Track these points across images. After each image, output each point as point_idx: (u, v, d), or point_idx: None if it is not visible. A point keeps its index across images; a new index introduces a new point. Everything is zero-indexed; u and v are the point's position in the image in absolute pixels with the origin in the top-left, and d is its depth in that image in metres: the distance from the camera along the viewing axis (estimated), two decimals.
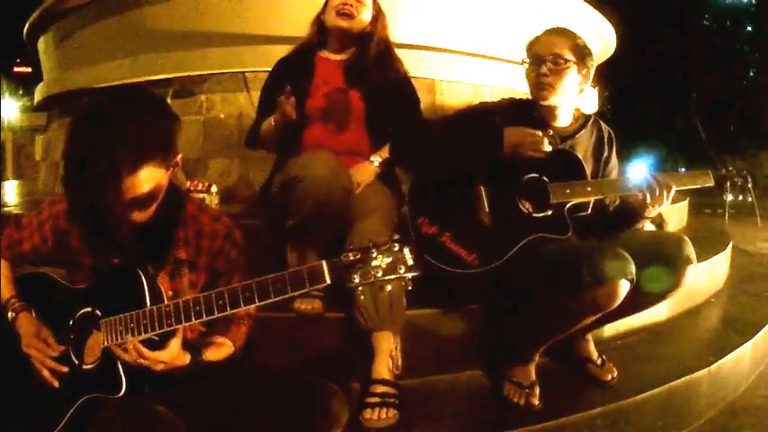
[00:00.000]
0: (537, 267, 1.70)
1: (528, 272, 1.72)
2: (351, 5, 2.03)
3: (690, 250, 1.70)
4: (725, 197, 1.93)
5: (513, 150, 1.80)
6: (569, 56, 1.85)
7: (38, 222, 1.38)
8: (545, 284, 1.67)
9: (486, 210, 1.85)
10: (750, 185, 1.92)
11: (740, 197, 1.93)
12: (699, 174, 1.88)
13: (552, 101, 1.89)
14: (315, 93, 2.07)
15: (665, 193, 1.76)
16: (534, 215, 1.82)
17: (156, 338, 1.19)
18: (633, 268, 1.59)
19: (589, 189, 1.82)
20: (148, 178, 1.16)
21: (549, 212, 1.81)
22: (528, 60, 1.91)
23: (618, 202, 1.94)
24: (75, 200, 1.20)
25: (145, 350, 1.16)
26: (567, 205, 1.81)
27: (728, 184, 1.91)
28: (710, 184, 1.87)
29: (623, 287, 1.58)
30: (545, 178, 1.84)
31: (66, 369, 1.26)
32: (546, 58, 1.85)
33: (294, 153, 1.91)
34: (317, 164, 1.74)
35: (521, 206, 1.85)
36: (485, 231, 1.82)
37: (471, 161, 1.86)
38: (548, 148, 1.79)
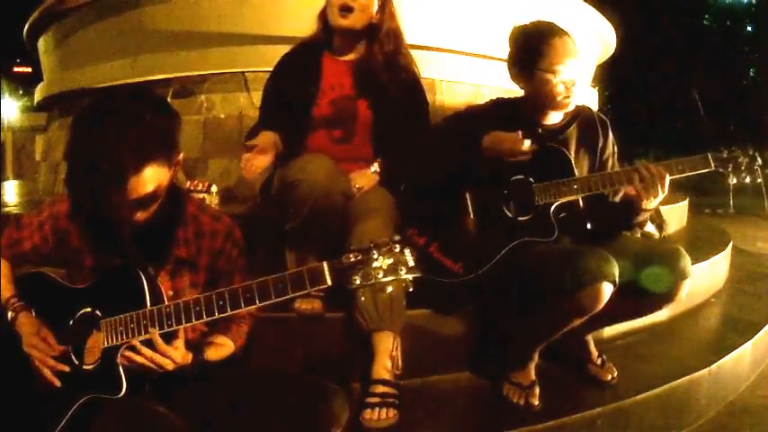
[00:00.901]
0: (523, 271, 1.69)
1: (515, 276, 1.71)
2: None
3: (685, 263, 1.65)
4: (729, 180, 1.76)
5: (495, 155, 1.77)
6: (579, 56, 1.76)
7: (38, 222, 1.37)
8: (531, 288, 1.67)
9: (472, 217, 1.83)
10: (759, 165, 1.75)
11: (746, 179, 1.75)
12: (696, 158, 1.74)
13: None
14: (321, 99, 2.00)
15: (658, 184, 1.68)
16: (519, 219, 1.80)
17: None
18: (616, 270, 1.57)
19: (575, 186, 1.77)
20: (152, 177, 1.16)
21: (534, 215, 1.79)
22: (543, 70, 1.75)
23: (621, 192, 1.84)
24: (79, 201, 1.20)
25: (164, 345, 1.16)
26: (553, 206, 1.78)
27: (731, 166, 1.74)
28: (709, 168, 1.74)
29: (606, 289, 1.57)
30: (531, 179, 1.81)
31: (67, 368, 1.25)
32: (570, 67, 1.74)
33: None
34: (314, 167, 1.72)
35: (505, 211, 1.83)
36: (470, 239, 1.81)
37: (454, 171, 1.84)
38: (527, 147, 1.72)
